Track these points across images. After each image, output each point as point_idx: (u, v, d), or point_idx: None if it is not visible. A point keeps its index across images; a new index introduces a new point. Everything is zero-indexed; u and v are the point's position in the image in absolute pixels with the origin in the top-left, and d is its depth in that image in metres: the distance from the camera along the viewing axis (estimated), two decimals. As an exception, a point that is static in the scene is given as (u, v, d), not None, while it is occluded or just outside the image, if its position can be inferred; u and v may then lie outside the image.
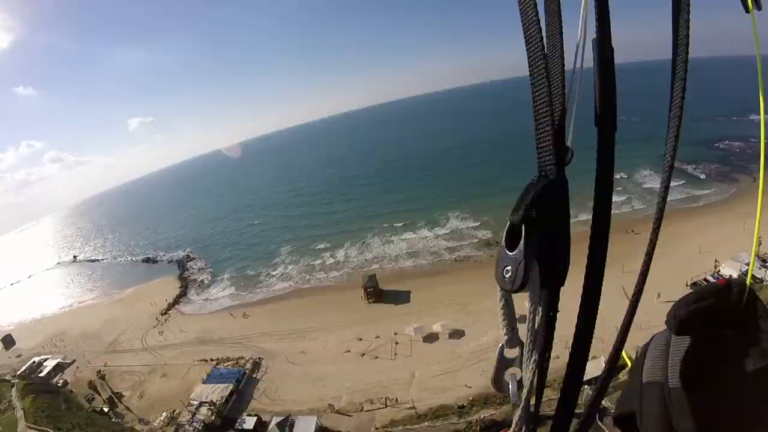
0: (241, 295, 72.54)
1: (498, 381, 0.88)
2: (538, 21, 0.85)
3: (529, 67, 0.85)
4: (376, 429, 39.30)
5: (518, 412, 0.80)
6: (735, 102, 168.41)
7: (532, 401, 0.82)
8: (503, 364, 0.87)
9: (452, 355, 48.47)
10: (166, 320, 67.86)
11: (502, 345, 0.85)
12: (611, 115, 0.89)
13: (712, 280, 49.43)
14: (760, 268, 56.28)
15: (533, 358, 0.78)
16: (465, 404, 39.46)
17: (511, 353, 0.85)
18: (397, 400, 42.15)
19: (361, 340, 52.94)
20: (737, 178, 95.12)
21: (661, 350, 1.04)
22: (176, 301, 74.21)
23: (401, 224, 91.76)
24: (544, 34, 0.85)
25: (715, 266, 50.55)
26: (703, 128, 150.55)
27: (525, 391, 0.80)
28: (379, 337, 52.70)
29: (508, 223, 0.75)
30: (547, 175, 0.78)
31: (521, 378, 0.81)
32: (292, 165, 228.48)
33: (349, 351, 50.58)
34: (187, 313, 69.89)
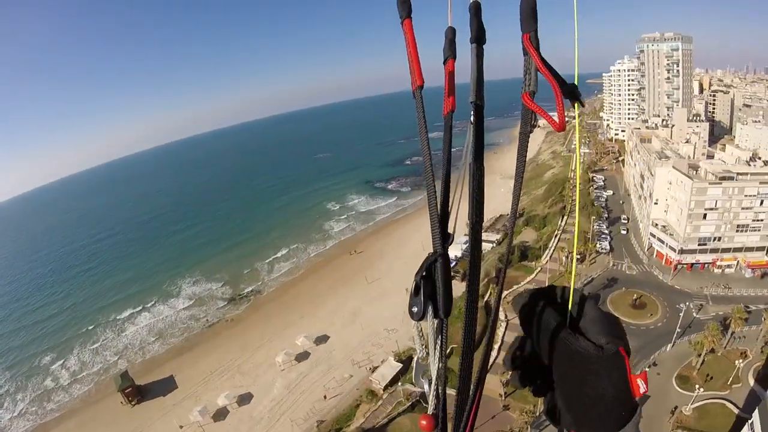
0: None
1: (417, 381, 1.32)
2: (432, 166, 1.23)
3: (426, 186, 1.22)
4: None
5: (431, 400, 1.20)
6: (410, 127, 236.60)
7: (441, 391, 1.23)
8: (419, 369, 1.30)
9: (252, 420, 49.92)
10: None
11: (418, 358, 1.32)
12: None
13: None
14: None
15: (435, 364, 1.18)
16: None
17: (425, 362, 1.27)
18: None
19: (145, 451, 47.99)
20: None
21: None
22: None
23: (132, 310, 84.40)
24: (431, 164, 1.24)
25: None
26: (391, 152, 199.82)
27: (433, 386, 1.20)
28: (164, 439, 49.24)
29: (413, 279, 1.16)
30: (437, 250, 1.18)
31: (431, 378, 1.21)
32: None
33: (136, 471, 45.49)
34: None
